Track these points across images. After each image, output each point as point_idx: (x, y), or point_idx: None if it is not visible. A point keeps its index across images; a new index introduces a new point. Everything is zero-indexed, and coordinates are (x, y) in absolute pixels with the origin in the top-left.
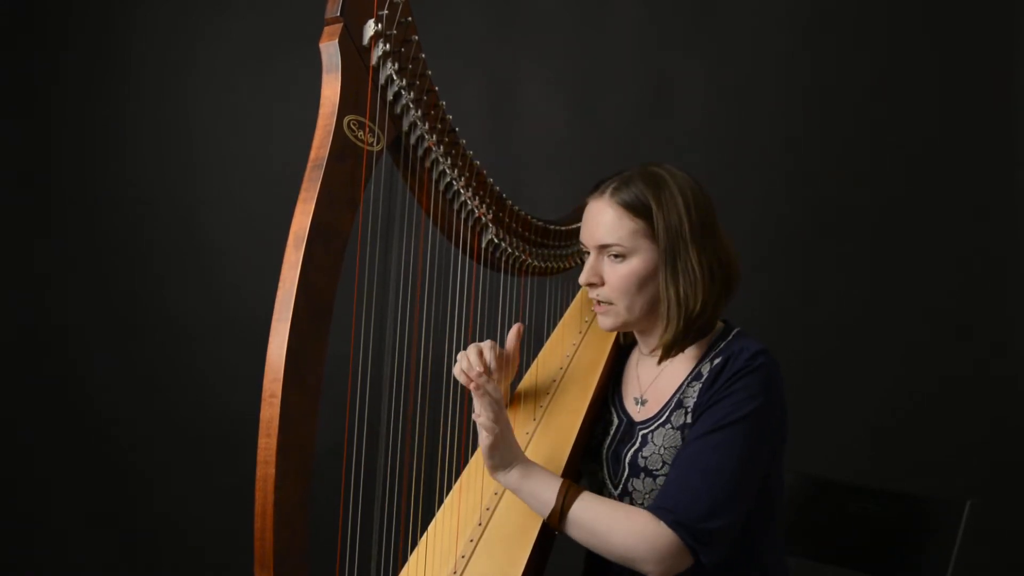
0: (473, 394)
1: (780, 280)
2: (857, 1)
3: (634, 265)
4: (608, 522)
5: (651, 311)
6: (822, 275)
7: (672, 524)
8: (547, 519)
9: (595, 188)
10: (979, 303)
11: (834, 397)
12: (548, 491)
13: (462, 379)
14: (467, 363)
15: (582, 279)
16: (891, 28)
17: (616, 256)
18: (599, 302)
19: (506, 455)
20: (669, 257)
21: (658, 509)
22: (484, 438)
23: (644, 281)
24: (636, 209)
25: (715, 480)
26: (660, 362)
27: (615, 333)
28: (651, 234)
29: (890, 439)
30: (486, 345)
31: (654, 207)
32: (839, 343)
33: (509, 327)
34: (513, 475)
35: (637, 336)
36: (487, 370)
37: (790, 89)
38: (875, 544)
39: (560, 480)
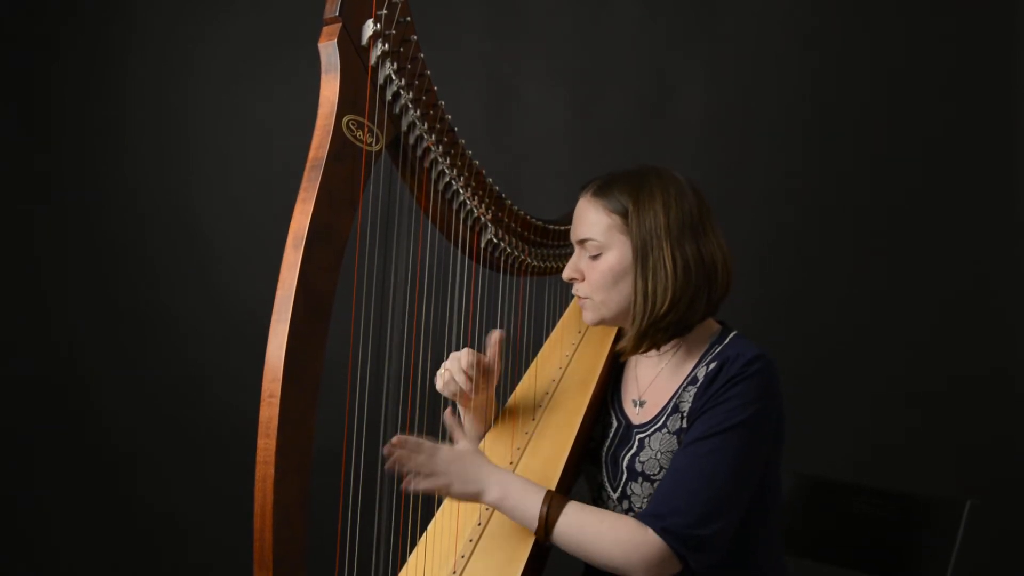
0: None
1: (780, 280)
2: (858, 1)
3: (609, 260)
4: (594, 534)
5: (628, 307)
6: (823, 275)
7: (660, 531)
8: (535, 534)
9: (584, 186)
10: (979, 304)
11: (834, 397)
12: (530, 508)
13: (447, 391)
14: (448, 377)
15: (564, 274)
16: (892, 28)
17: (593, 251)
18: (580, 297)
19: (467, 487)
20: (640, 253)
21: (647, 516)
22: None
23: (619, 277)
24: (613, 205)
25: (708, 486)
26: (625, 357)
27: (614, 333)
28: (626, 230)
29: (890, 439)
30: (465, 354)
31: (631, 203)
32: (839, 344)
33: (508, 328)
34: (489, 498)
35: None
36: (468, 381)
37: (791, 89)
38: (875, 544)
39: (542, 493)
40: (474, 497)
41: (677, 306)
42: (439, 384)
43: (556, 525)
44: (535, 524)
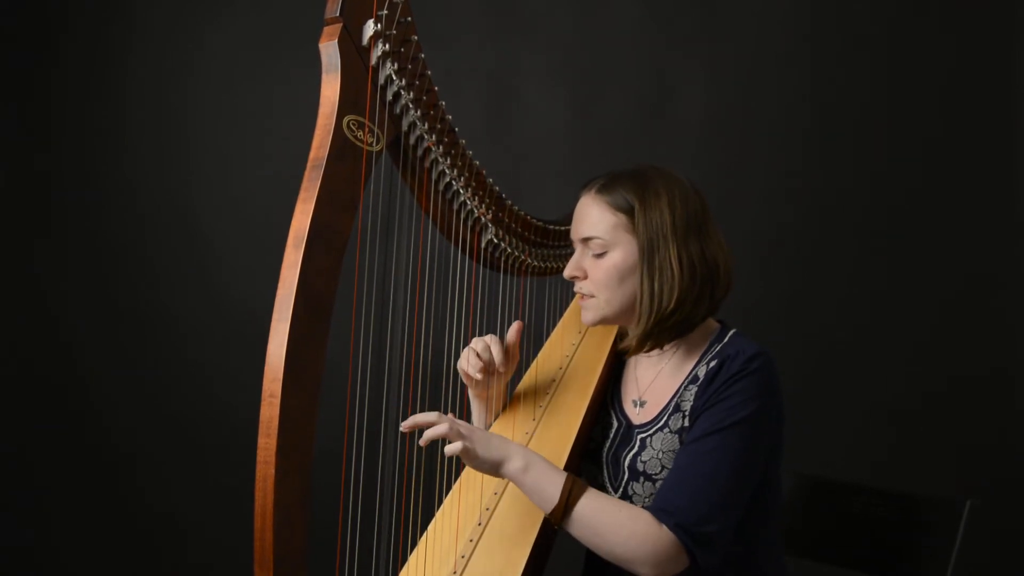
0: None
1: (780, 280)
2: (858, 1)
3: (615, 259)
4: (611, 522)
5: (632, 306)
6: (823, 275)
7: (674, 527)
8: (549, 515)
9: (585, 185)
10: (979, 304)
11: (834, 397)
12: (552, 486)
13: (467, 367)
14: (473, 357)
15: (566, 272)
16: (892, 28)
17: (598, 249)
18: (583, 296)
19: (490, 453)
20: (647, 253)
21: (658, 511)
22: (455, 450)
23: (624, 275)
24: (619, 204)
25: (711, 484)
26: (629, 356)
27: (614, 334)
28: (632, 229)
29: (890, 439)
30: (491, 339)
31: (636, 202)
32: (839, 344)
33: (508, 327)
34: (511, 469)
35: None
36: (491, 364)
37: (791, 89)
38: (875, 544)
39: (564, 475)
40: (496, 465)
41: (683, 306)
42: (463, 363)
43: (576, 505)
44: (555, 501)
